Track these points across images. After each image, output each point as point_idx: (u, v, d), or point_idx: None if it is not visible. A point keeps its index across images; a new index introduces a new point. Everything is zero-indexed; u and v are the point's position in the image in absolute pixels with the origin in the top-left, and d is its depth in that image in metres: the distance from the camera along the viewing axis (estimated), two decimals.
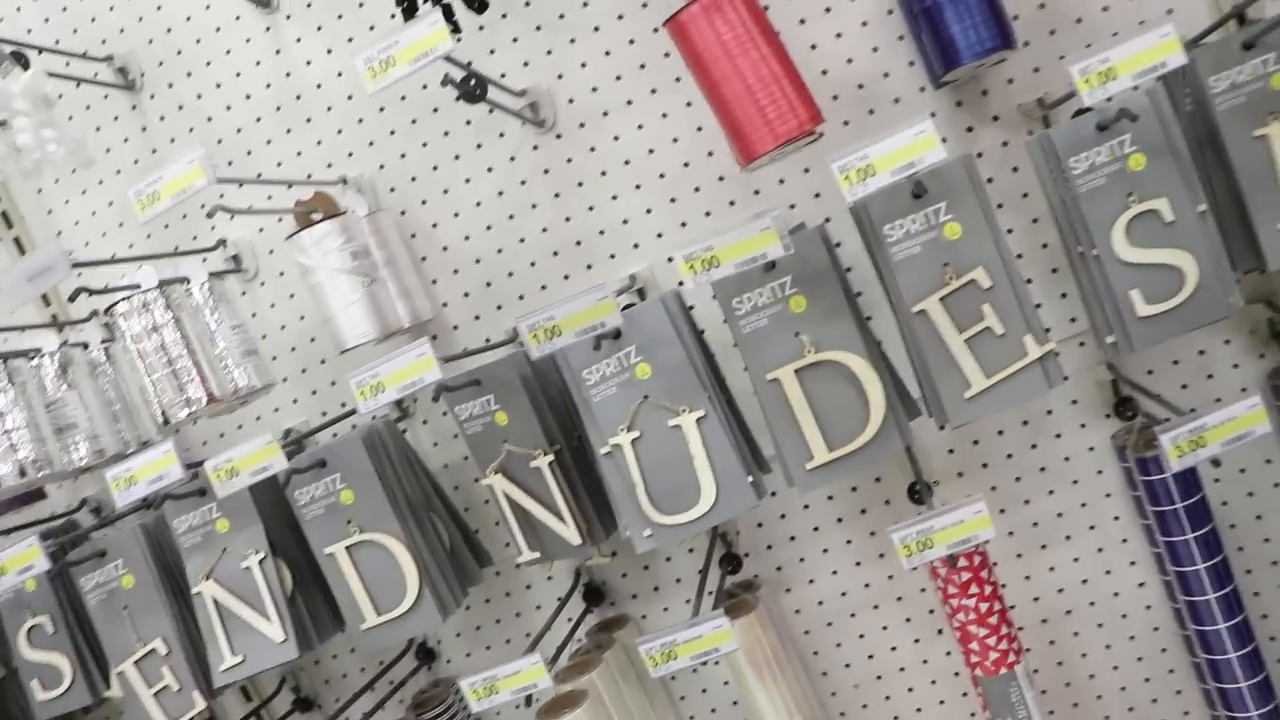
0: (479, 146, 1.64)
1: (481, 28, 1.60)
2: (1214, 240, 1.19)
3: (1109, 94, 1.13)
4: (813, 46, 1.50)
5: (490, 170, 1.64)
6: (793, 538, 1.67)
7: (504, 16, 1.59)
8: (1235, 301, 1.20)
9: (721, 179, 1.56)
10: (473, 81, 1.36)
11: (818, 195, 1.54)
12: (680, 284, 1.49)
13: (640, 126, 1.57)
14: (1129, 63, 1.12)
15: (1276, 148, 1.19)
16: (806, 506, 1.65)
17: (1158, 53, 1.12)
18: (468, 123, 1.64)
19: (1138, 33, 1.11)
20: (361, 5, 1.66)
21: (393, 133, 1.68)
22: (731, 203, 1.56)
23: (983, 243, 1.19)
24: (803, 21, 1.50)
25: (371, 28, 1.66)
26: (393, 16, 1.58)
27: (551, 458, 1.38)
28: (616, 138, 1.58)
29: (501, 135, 1.62)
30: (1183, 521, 1.40)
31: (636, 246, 1.61)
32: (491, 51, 1.61)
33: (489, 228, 1.66)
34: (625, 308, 1.29)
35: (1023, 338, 1.19)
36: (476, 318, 1.71)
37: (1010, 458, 1.57)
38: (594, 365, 1.31)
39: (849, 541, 1.65)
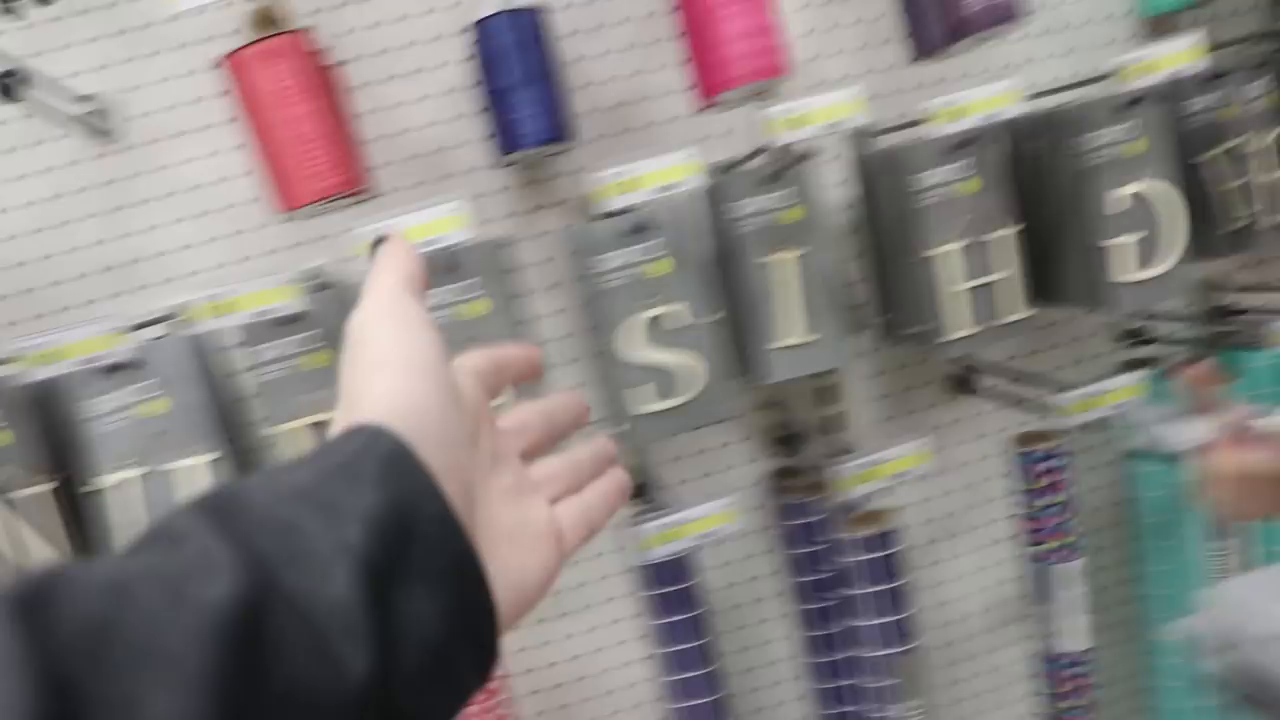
0: (37, 144, 1.51)
1: (53, 21, 1.48)
2: (721, 348, 1.30)
3: (631, 203, 1.22)
4: (396, 105, 1.52)
5: (47, 171, 1.52)
6: None
7: (83, 13, 1.49)
8: (735, 407, 1.32)
9: (289, 219, 1.54)
10: (11, 76, 1.28)
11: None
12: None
13: (213, 154, 1.52)
14: (651, 177, 1.21)
15: (780, 275, 1.33)
16: None
17: (679, 172, 1.22)
18: (26, 117, 1.50)
19: (695, 144, 1.22)
20: None
21: None
22: (296, 244, 1.55)
23: (504, 323, 1.24)
24: (390, 79, 1.52)
25: None
26: None
27: (52, 485, 1.29)
28: (187, 161, 1.52)
29: (63, 137, 1.51)
30: (668, 604, 1.50)
31: (193, 275, 1.54)
32: (65, 47, 1.49)
33: (38, 231, 1.54)
34: (157, 339, 1.24)
35: None
36: (12, 324, 1.57)
37: None
38: (105, 395, 1.23)
39: None
